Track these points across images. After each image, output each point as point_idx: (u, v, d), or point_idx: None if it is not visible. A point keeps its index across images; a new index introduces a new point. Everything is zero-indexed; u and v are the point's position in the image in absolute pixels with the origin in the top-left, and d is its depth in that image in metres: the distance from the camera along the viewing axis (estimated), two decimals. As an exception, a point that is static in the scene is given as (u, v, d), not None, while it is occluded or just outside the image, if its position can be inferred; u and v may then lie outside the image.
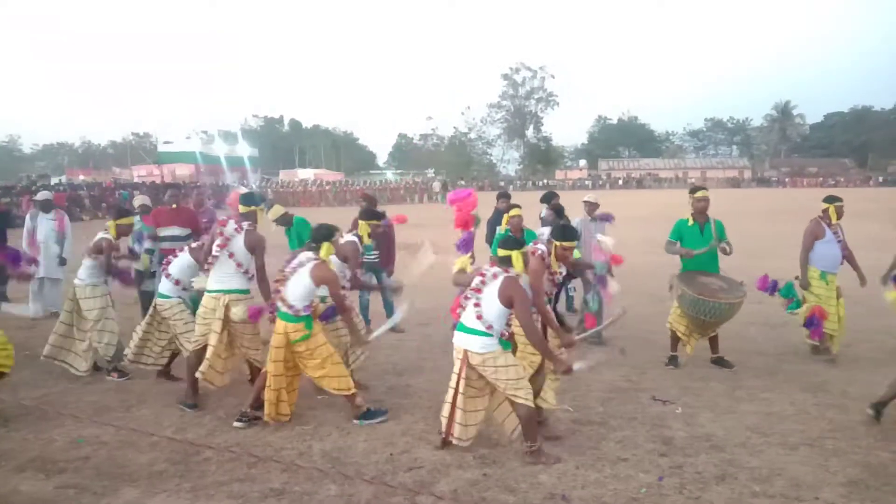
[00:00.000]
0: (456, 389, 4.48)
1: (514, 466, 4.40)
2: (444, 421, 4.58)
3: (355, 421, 5.13)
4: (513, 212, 6.77)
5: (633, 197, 43.38)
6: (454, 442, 4.55)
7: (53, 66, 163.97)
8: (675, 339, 6.69)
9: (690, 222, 6.70)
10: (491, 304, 4.39)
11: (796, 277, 6.85)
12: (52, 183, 37.55)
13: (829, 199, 6.87)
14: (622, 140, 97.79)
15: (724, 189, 54.34)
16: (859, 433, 4.88)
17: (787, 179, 69.27)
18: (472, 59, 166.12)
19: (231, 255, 5.46)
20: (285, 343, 5.03)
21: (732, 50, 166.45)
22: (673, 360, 6.66)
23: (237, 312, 5.40)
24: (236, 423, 5.12)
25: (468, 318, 4.47)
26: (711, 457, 4.50)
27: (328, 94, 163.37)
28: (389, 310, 8.01)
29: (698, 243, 6.58)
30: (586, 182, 68.58)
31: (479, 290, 4.46)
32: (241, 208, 5.62)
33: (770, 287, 6.89)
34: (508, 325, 4.55)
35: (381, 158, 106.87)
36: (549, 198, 7.93)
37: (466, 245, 6.68)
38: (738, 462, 4.42)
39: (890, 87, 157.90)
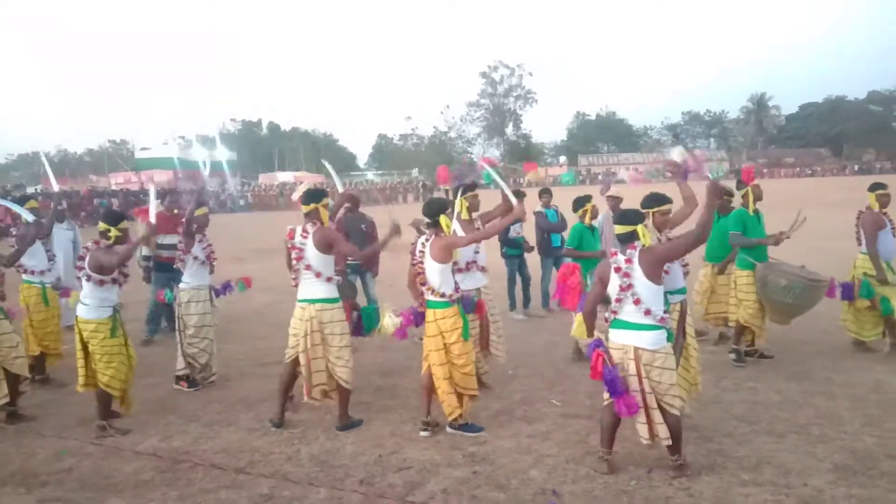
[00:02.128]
0: (643, 391, 4.08)
1: (503, 463, 4.39)
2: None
3: (449, 429, 4.94)
4: (587, 205, 7.04)
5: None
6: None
7: (27, 75, 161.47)
8: (740, 334, 6.52)
9: (751, 212, 6.56)
10: (645, 288, 4.08)
11: (865, 274, 6.56)
12: (27, 192, 36.88)
13: (877, 187, 6.64)
14: (601, 136, 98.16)
15: (703, 181, 54.48)
16: (845, 419, 4.93)
17: (764, 171, 69.92)
18: (450, 58, 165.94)
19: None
20: (439, 331, 4.87)
21: (708, 44, 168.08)
22: (739, 355, 6.45)
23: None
24: (422, 433, 4.90)
25: (631, 313, 4.12)
26: (699, 447, 4.52)
27: (306, 95, 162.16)
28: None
29: (759, 232, 6.53)
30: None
31: (629, 286, 4.09)
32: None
33: (846, 292, 6.58)
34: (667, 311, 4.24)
35: (362, 159, 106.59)
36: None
37: None
38: (727, 452, 4.44)
39: (862, 76, 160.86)
